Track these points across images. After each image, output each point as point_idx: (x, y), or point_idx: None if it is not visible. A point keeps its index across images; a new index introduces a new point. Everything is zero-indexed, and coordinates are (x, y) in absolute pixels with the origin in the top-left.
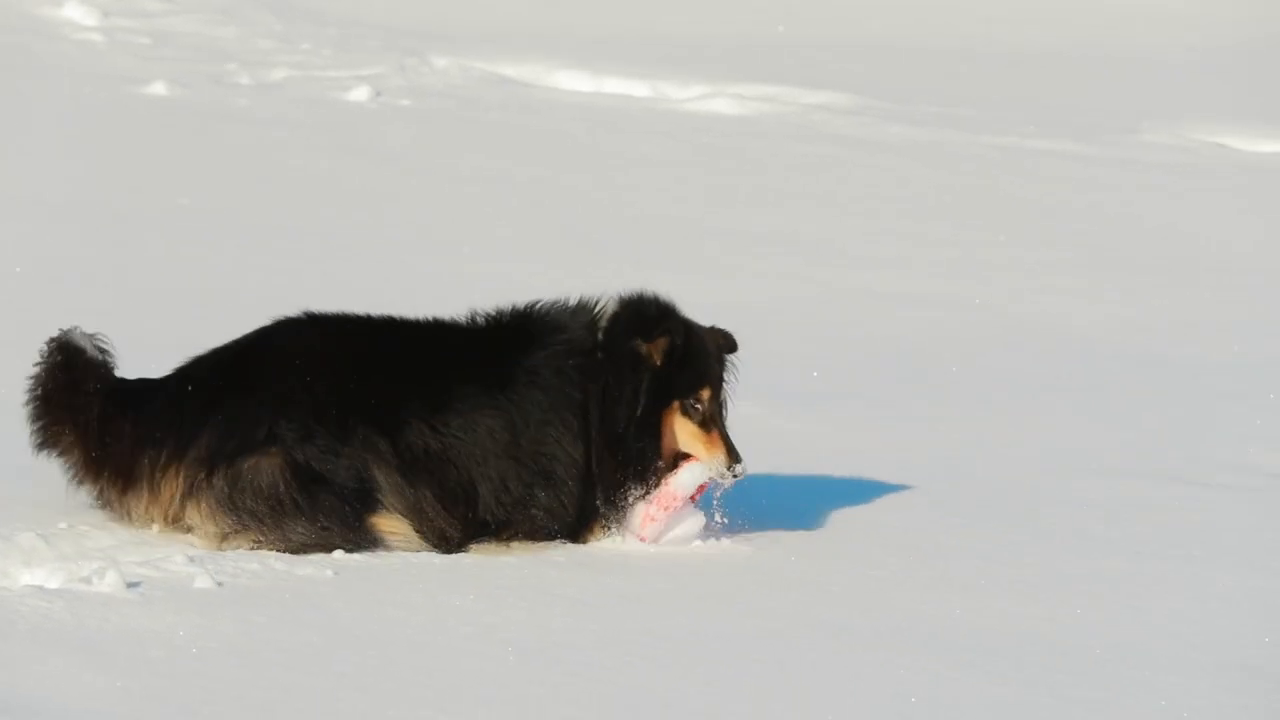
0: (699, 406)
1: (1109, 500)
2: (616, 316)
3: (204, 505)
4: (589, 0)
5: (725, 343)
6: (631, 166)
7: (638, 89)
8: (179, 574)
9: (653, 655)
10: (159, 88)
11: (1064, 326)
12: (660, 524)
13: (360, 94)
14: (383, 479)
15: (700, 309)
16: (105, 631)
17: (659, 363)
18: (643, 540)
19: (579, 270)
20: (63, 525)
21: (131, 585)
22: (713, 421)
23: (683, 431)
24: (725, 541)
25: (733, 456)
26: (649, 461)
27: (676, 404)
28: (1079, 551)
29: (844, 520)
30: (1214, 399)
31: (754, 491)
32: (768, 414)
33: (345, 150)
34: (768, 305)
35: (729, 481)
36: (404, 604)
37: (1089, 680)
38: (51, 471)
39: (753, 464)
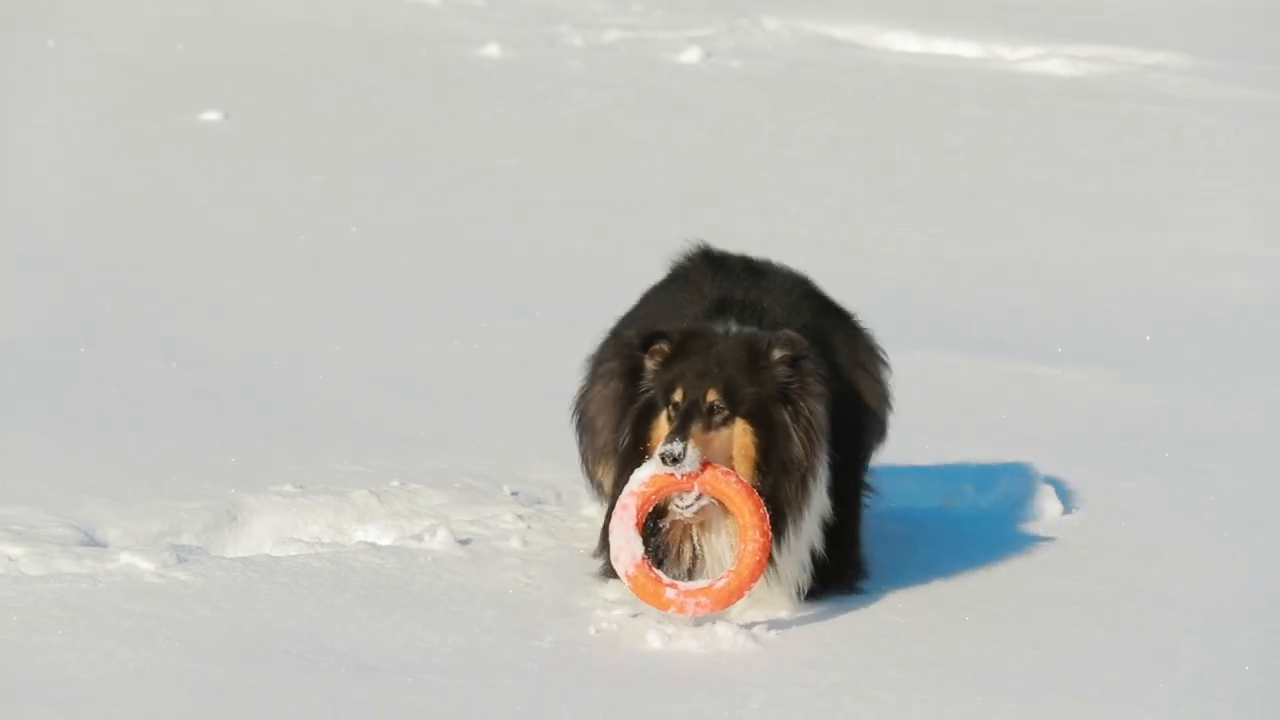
0: (675, 405)
1: None
2: None
3: None
4: None
5: (754, 350)
6: (959, 128)
7: (968, 50)
8: (508, 531)
9: (983, 617)
10: (492, 50)
11: None
12: (614, 535)
13: (691, 55)
14: None
15: (1026, 273)
16: (436, 589)
17: (652, 371)
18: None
19: (906, 236)
20: (395, 483)
21: (462, 542)
22: (678, 416)
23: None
24: (1054, 510)
25: (666, 441)
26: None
27: (664, 410)
28: None
29: (1174, 485)
30: None
31: (1076, 455)
32: (1090, 379)
33: (675, 112)
34: (1097, 267)
35: (664, 470)
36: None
37: None
38: (379, 431)
39: (1072, 428)
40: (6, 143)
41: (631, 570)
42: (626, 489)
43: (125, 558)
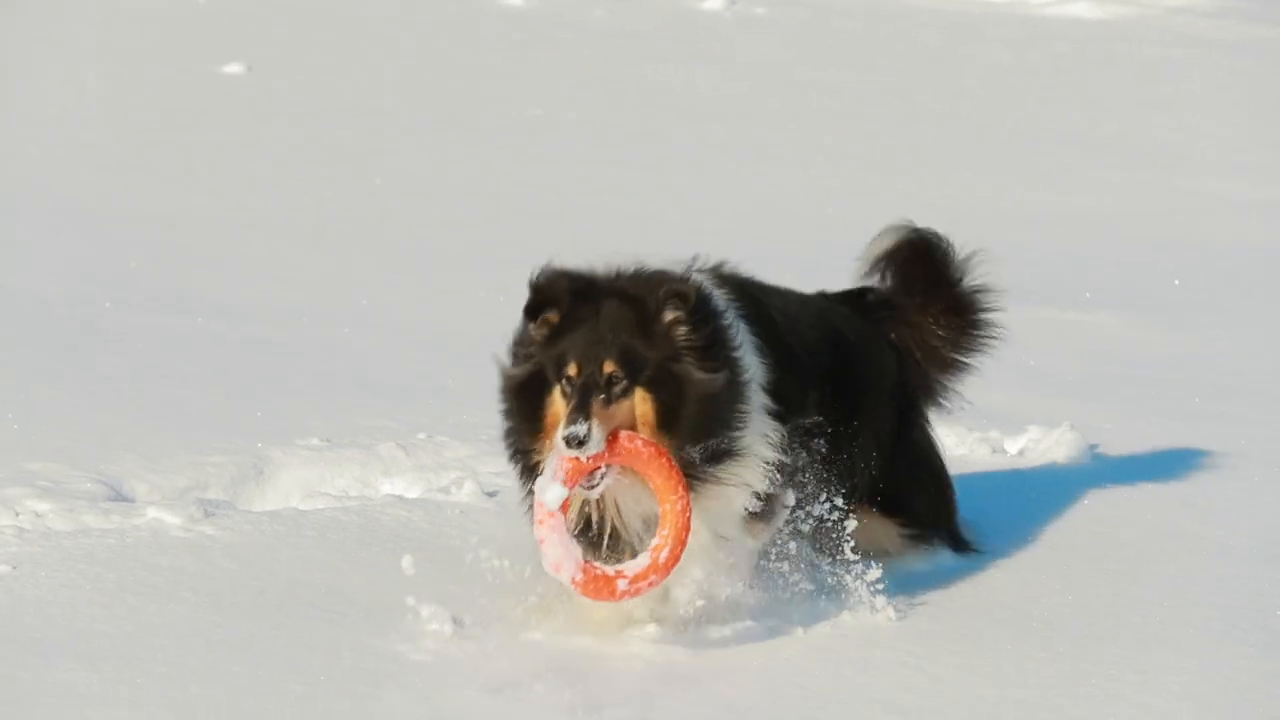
0: (569, 380)
1: None
2: None
3: None
4: None
5: (644, 312)
6: (986, 74)
7: None
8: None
9: (1011, 564)
10: None
11: None
12: (548, 545)
13: (716, 3)
14: None
15: (1054, 218)
16: (465, 541)
17: (540, 342)
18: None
19: (932, 182)
20: (422, 436)
21: (489, 495)
22: (576, 393)
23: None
24: (1083, 455)
25: (565, 424)
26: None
27: (556, 386)
28: None
29: (1203, 430)
30: None
31: (1105, 400)
32: (1118, 324)
33: (699, 60)
34: (1125, 212)
35: (571, 454)
36: None
37: None
38: (406, 384)
39: (1101, 373)
40: (29, 98)
41: (579, 576)
42: (542, 505)
43: (152, 513)
